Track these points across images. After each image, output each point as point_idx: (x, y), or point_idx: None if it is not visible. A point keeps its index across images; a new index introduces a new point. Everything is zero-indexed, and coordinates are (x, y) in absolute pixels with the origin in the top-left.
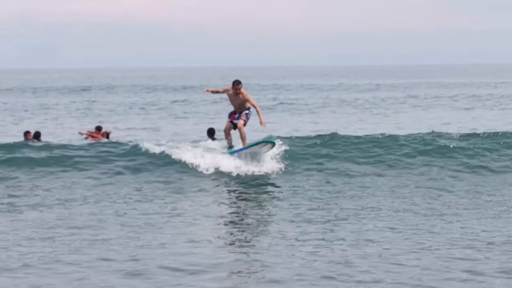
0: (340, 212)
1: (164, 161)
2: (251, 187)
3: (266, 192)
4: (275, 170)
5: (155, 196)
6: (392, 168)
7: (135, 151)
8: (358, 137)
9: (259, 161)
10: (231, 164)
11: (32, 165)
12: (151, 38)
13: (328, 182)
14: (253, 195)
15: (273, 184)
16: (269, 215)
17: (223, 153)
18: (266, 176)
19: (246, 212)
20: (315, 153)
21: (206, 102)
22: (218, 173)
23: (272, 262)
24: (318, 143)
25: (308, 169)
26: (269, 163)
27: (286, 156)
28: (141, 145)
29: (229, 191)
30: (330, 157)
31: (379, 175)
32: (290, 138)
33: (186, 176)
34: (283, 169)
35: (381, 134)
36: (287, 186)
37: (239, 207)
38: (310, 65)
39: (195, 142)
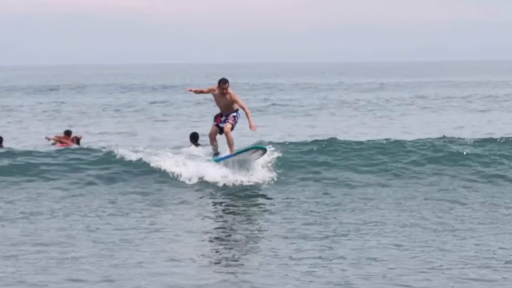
0: (339, 227)
1: (142, 169)
2: (239, 199)
3: (256, 205)
4: (266, 179)
5: (131, 209)
6: (398, 178)
7: (108, 158)
8: (360, 143)
9: (248, 170)
10: (217, 173)
11: None
12: (128, 32)
13: (326, 194)
14: (241, 208)
15: (264, 196)
16: (259, 230)
17: (208, 160)
18: (256, 186)
19: (234, 227)
20: (312, 160)
21: (189, 103)
22: (203, 183)
23: (263, 284)
24: (315, 149)
25: (303, 179)
26: (260, 172)
27: (279, 164)
28: (115, 151)
29: (215, 204)
30: (328, 165)
31: (384, 186)
32: (283, 143)
33: (166, 187)
34: (276, 179)
35: (386, 139)
36: (280, 198)
37: (226, 221)
38: (306, 62)
39: (176, 149)
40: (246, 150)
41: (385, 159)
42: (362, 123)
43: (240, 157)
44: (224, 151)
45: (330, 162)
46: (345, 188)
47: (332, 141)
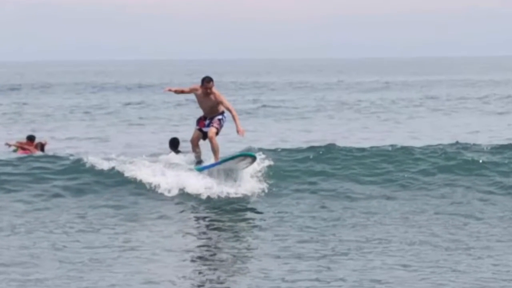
0: (339, 245)
1: (115, 180)
2: (225, 214)
3: (244, 220)
4: (256, 191)
5: (103, 224)
6: (405, 189)
7: (77, 167)
8: (362, 150)
9: (235, 180)
10: (200, 184)
11: None
12: (99, 23)
13: (323, 207)
14: (228, 224)
15: (253, 210)
16: (248, 249)
17: (190, 169)
18: (244, 199)
19: (219, 245)
20: (307, 169)
21: (168, 104)
22: (184, 196)
23: None
24: (311, 157)
25: (298, 190)
26: (249, 182)
27: (270, 174)
28: (85, 159)
29: (198, 219)
30: (326, 175)
31: (389, 198)
32: (275, 150)
33: (142, 200)
34: (266, 191)
35: (391, 145)
36: (272, 212)
37: (210, 238)
38: (301, 58)
39: (154, 156)
40: (232, 157)
41: (391, 168)
42: (365, 127)
43: (226, 166)
44: (208, 159)
45: (328, 171)
46: (345, 201)
47: (330, 147)
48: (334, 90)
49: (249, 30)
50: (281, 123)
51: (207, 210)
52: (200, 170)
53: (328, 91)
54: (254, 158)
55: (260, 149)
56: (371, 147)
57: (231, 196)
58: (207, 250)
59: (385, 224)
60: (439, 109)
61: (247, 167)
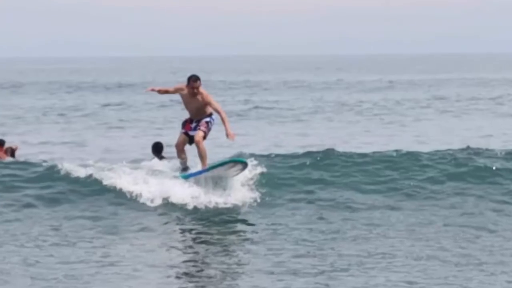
0: (338, 260)
1: (92, 188)
2: (213, 225)
3: (234, 233)
4: (247, 201)
5: (79, 237)
6: (412, 199)
7: (51, 174)
8: (364, 155)
9: (225, 189)
10: (186, 193)
11: None
12: (74, 17)
13: (321, 218)
14: (216, 237)
15: (244, 221)
16: (239, 264)
17: (175, 177)
18: (234, 209)
19: (207, 260)
20: (304, 177)
21: (151, 106)
22: (168, 206)
23: None
24: (308, 163)
25: (293, 200)
26: (239, 191)
27: (263, 182)
28: (59, 166)
29: (183, 231)
30: (324, 183)
31: (393, 208)
32: (268, 156)
33: (122, 210)
34: (259, 200)
35: (396, 150)
36: (264, 224)
37: (197, 253)
38: (297, 54)
39: (135, 162)
40: (222, 164)
41: (395, 175)
42: (366, 130)
43: (215, 173)
44: (195, 165)
45: (326, 179)
46: (345, 212)
47: (329, 153)
48: (333, 90)
49: (239, 24)
50: (275, 126)
51: (194, 222)
52: (186, 177)
53: (327, 91)
54: (245, 165)
55: (252, 155)
56: (374, 153)
57: (220, 206)
58: (193, 266)
59: (389, 237)
60: (448, 111)
61: (237, 174)
